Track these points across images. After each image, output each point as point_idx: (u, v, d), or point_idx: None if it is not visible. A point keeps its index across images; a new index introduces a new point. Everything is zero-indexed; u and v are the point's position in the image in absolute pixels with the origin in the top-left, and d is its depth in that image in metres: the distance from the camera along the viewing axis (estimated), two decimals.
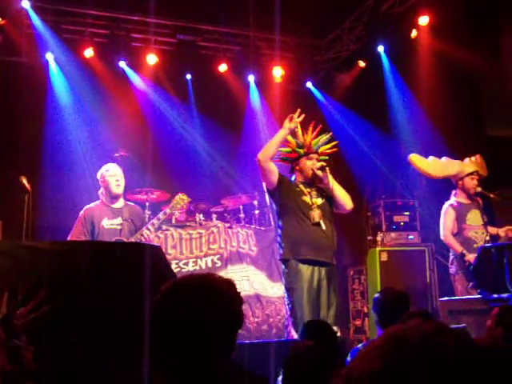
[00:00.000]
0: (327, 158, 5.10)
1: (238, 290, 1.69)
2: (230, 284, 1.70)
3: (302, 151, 5.00)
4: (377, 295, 3.54)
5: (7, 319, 2.07)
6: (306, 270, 4.72)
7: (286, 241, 4.83)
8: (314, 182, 5.02)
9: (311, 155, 5.00)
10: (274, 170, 4.85)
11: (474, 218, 6.31)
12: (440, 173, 6.49)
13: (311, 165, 4.97)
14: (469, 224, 6.28)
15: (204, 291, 1.62)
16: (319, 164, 4.95)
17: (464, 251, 6.08)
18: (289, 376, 2.43)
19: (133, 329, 1.90)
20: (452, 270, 6.40)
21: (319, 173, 4.93)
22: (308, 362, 2.41)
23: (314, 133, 5.06)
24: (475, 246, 6.17)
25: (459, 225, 6.33)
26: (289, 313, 4.74)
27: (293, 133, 4.97)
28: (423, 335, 1.00)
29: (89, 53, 8.27)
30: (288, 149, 5.05)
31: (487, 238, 6.13)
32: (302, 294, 4.65)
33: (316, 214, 4.82)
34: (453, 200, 6.43)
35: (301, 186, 4.95)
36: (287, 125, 4.82)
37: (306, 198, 4.89)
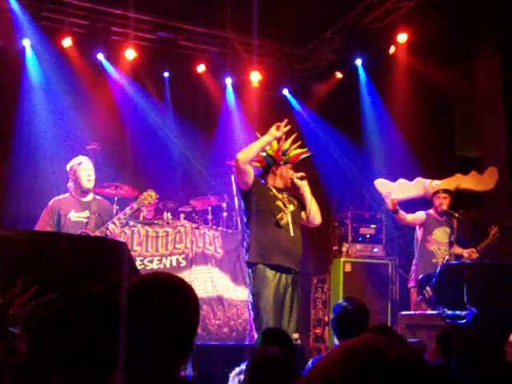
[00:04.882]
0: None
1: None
2: (190, 286, 1.73)
3: (285, 158, 5.05)
4: (338, 306, 3.55)
5: (3, 308, 2.06)
6: (273, 276, 4.73)
7: (255, 244, 4.82)
8: (287, 189, 5.06)
9: (289, 164, 5.06)
10: (250, 173, 4.86)
11: (441, 234, 6.53)
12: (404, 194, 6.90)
13: (290, 173, 5.03)
14: (434, 238, 6.51)
15: (171, 291, 1.64)
16: (299, 174, 5.02)
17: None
18: (251, 381, 2.45)
19: (104, 324, 1.91)
20: (410, 283, 6.75)
21: (299, 182, 4.99)
22: (274, 367, 2.44)
23: (291, 142, 5.09)
24: (434, 260, 6.43)
25: (424, 235, 6.55)
26: (253, 318, 4.75)
27: (279, 139, 5.00)
28: (373, 348, 1.08)
29: (67, 42, 8.19)
30: (271, 152, 5.05)
31: (447, 256, 6.31)
32: (268, 300, 4.65)
33: (286, 218, 4.87)
34: (430, 210, 6.74)
35: (274, 190, 4.99)
36: (274, 132, 4.83)
37: (280, 203, 4.93)
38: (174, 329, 1.60)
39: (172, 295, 1.63)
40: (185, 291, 1.68)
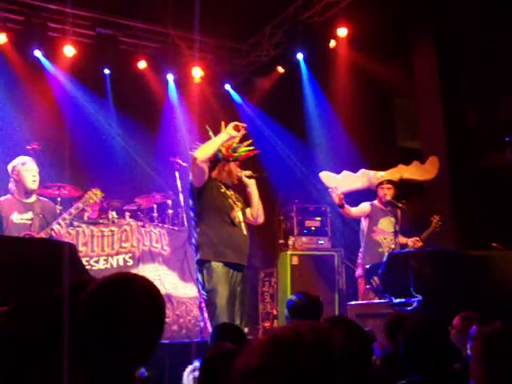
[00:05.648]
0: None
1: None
2: (157, 288, 1.71)
3: (235, 155, 5.04)
4: (291, 300, 3.59)
5: None
6: (226, 272, 4.74)
7: (208, 242, 4.79)
8: (232, 186, 5.06)
9: (237, 161, 5.07)
10: (206, 170, 4.84)
11: (387, 224, 6.64)
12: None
13: (238, 170, 5.03)
14: (380, 228, 6.63)
15: (135, 291, 1.62)
16: (248, 172, 5.04)
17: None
18: (207, 377, 2.44)
19: (51, 327, 1.86)
20: (357, 272, 6.88)
21: (247, 180, 5.00)
22: (229, 363, 2.44)
23: (239, 140, 5.09)
24: (380, 250, 6.55)
25: (370, 225, 6.66)
26: (207, 315, 4.73)
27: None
28: (297, 333, 1.07)
29: (1, 38, 7.93)
30: (222, 147, 5.00)
31: (393, 245, 6.45)
32: (223, 296, 4.66)
33: (238, 216, 4.89)
34: (374, 201, 6.85)
35: (223, 187, 4.98)
36: (231, 131, 4.79)
37: (230, 201, 4.93)
38: (142, 330, 1.59)
39: (140, 297, 1.62)
40: (153, 293, 1.66)
